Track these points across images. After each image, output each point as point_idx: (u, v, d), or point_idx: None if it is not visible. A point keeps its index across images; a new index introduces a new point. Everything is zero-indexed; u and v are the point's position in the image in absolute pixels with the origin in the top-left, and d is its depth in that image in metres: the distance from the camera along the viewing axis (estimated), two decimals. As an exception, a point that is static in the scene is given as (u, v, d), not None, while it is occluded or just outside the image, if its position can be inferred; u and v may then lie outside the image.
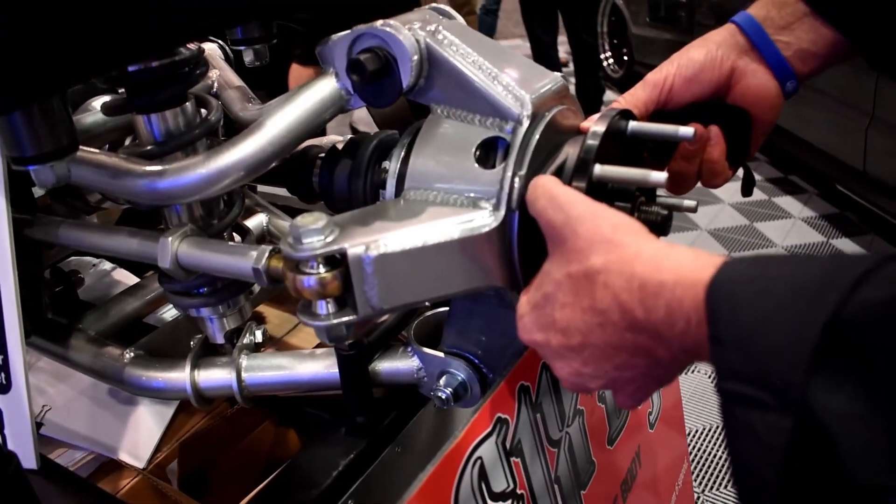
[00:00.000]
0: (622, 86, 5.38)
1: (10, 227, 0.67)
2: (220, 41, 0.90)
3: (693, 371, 2.33)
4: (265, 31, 0.74)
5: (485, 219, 0.52)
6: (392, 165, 0.60)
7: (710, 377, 2.28)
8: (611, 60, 5.45)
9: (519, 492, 0.63)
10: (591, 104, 4.79)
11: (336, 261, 0.50)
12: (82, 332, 0.84)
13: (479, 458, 0.56)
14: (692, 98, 0.63)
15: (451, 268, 0.52)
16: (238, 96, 0.77)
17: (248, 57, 0.75)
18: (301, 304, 0.54)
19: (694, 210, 0.62)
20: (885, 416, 0.31)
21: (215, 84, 0.82)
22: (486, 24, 6.09)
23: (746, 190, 0.71)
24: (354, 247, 0.50)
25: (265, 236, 0.99)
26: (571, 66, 4.87)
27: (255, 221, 0.98)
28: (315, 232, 0.50)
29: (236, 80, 0.80)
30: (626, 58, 5.26)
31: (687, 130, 0.55)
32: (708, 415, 2.16)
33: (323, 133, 0.85)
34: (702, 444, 2.05)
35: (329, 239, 0.50)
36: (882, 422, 0.31)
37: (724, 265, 0.39)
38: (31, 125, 0.52)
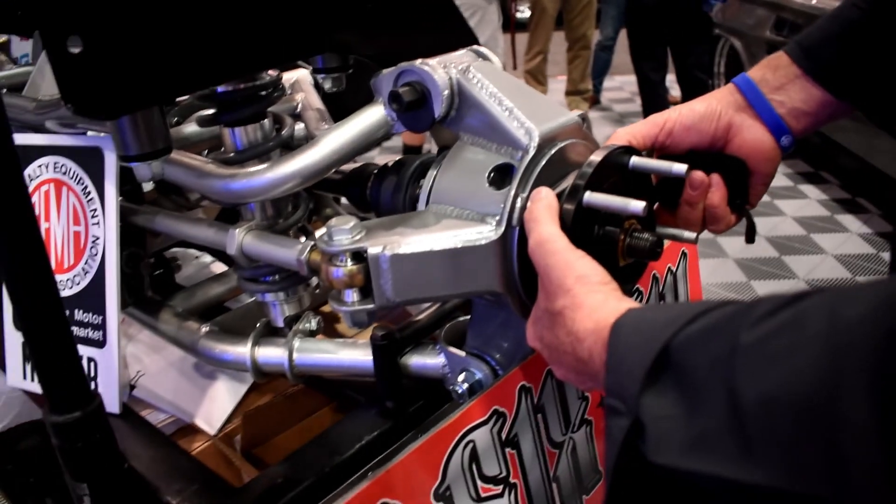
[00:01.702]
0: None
1: (117, 212, 0.82)
2: (309, 68, 1.04)
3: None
4: (342, 62, 0.86)
5: (487, 232, 0.61)
6: (425, 183, 0.70)
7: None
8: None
9: (512, 480, 0.70)
10: None
11: (361, 257, 0.61)
12: (171, 308, 0.98)
13: (472, 441, 0.64)
14: (690, 145, 0.70)
15: (455, 272, 0.62)
16: (315, 117, 0.89)
17: (326, 84, 0.87)
18: (332, 292, 0.64)
19: (694, 242, 0.69)
20: (690, 415, 0.42)
21: (300, 105, 0.95)
22: (602, 60, 6.07)
23: (749, 237, 0.77)
24: (374, 246, 0.60)
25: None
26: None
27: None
28: (345, 231, 0.61)
29: (317, 104, 0.93)
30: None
31: (680, 167, 0.63)
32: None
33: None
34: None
35: (356, 238, 0.60)
36: (686, 420, 0.42)
37: (625, 314, 0.52)
38: (135, 129, 0.65)
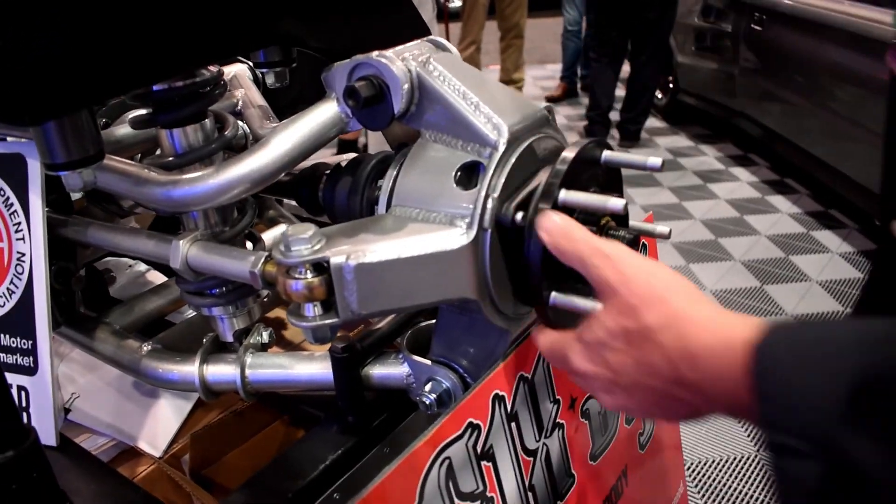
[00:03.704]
0: (666, 113, 5.38)
1: (44, 225, 0.75)
2: (249, 63, 0.97)
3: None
4: (285, 56, 0.80)
5: (458, 236, 0.57)
6: (385, 184, 0.65)
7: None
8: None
9: (489, 494, 0.67)
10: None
11: (322, 268, 0.56)
12: (108, 325, 0.91)
13: (448, 458, 0.60)
14: None
15: (425, 280, 0.57)
16: (258, 115, 0.84)
17: (269, 79, 0.82)
18: (291, 307, 0.59)
19: (667, 236, 0.66)
20: None
21: (240, 102, 0.89)
22: (570, 48, 5.94)
23: None
24: (337, 256, 0.55)
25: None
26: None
27: (277, 232, 1.05)
28: (303, 241, 0.55)
29: (259, 100, 0.87)
30: (671, 86, 5.26)
31: (655, 160, 0.60)
32: (720, 447, 2.15)
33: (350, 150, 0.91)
34: (715, 475, 2.05)
35: (316, 247, 0.55)
36: None
37: (770, 331, 0.44)
38: (62, 136, 0.59)
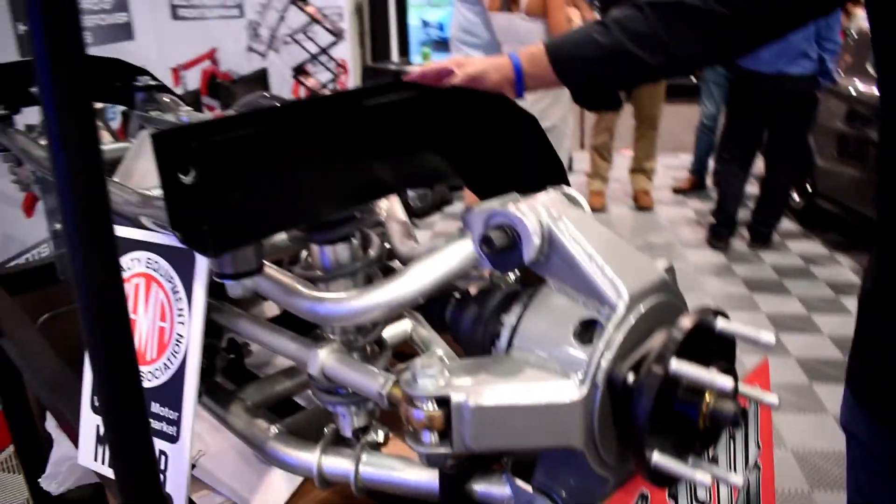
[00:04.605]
0: (801, 216, 5.21)
1: (204, 313, 0.84)
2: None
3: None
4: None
5: (571, 390, 0.61)
6: (508, 321, 0.70)
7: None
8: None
9: None
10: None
11: (443, 402, 0.61)
12: (242, 401, 1.00)
13: None
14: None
15: (536, 426, 0.62)
16: (400, 231, 0.92)
17: (414, 202, 0.90)
18: (410, 429, 0.65)
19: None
20: None
21: (383, 213, 0.98)
22: (704, 141, 5.83)
23: None
24: (458, 394, 0.61)
25: (409, 341, 1.12)
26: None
27: (401, 328, 1.12)
28: (429, 376, 0.61)
29: (401, 216, 0.95)
30: (808, 189, 5.09)
31: (769, 337, 0.62)
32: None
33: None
34: None
35: (440, 383, 0.61)
36: None
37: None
38: (233, 255, 0.68)
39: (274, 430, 0.92)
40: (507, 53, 1.14)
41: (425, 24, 5.64)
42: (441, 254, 0.72)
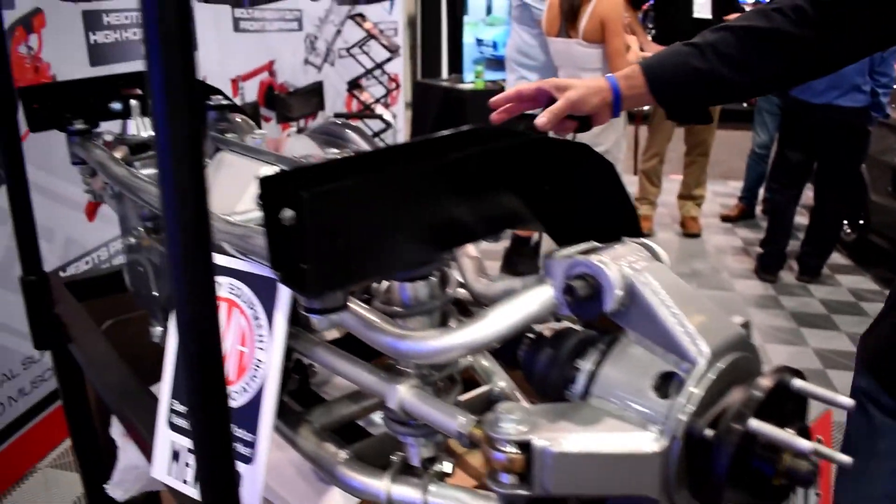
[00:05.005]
0: (852, 250, 5.12)
1: (284, 342, 0.88)
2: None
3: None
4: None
5: (651, 441, 0.63)
6: (585, 367, 0.72)
7: None
8: (845, 221, 5.22)
9: None
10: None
11: (524, 446, 0.64)
12: (309, 423, 1.03)
13: None
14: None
15: (615, 474, 0.64)
16: (472, 266, 0.94)
17: (486, 241, 0.92)
18: (490, 471, 0.67)
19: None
20: None
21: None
22: (755, 170, 5.79)
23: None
24: (540, 440, 0.63)
25: (470, 370, 1.15)
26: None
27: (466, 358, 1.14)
28: (513, 421, 0.64)
29: (473, 251, 0.98)
30: (861, 223, 5.01)
31: (847, 401, 0.63)
32: None
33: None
34: None
35: (522, 429, 0.64)
36: None
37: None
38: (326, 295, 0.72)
39: (343, 454, 0.95)
40: (605, 76, 1.25)
41: (479, 42, 5.69)
42: (522, 298, 0.74)
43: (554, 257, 0.75)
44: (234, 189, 1.17)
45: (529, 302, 0.74)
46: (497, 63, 5.80)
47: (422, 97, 6.09)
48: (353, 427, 1.12)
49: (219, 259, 0.97)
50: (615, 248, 0.74)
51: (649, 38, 4.62)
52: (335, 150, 1.18)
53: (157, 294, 1.39)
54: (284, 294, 0.88)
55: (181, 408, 1.02)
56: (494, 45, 5.56)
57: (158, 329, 1.41)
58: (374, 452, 0.98)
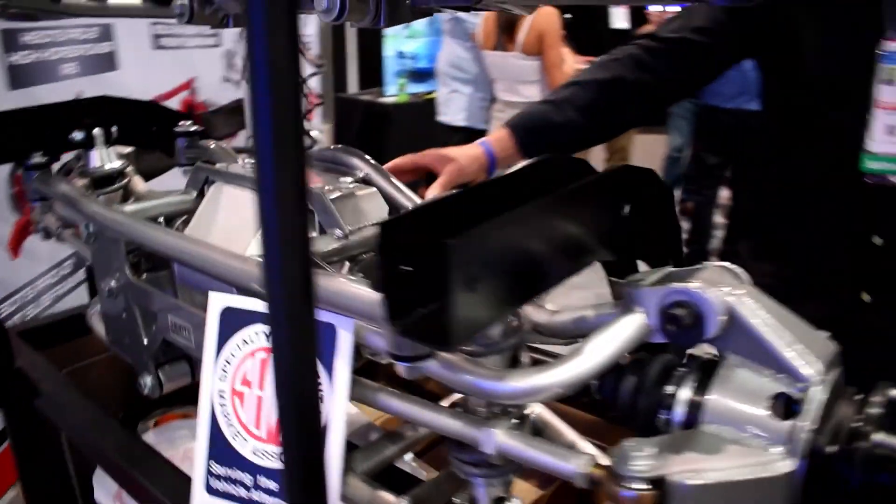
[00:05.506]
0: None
1: (347, 392, 0.84)
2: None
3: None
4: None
5: (778, 464, 0.64)
6: (682, 394, 0.72)
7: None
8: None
9: None
10: None
11: (656, 483, 0.63)
12: (352, 471, 0.99)
13: None
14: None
15: (746, 499, 0.64)
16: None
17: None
18: (611, 507, 0.66)
19: None
20: None
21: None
22: (672, 173, 5.81)
23: None
24: (675, 475, 0.62)
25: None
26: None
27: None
28: (642, 458, 0.63)
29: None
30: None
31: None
32: None
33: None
34: None
35: (655, 464, 0.63)
36: None
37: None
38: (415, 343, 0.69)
39: (405, 503, 0.91)
40: (479, 142, 1.38)
41: (401, 55, 5.69)
42: (615, 329, 0.73)
43: (640, 285, 0.74)
44: (249, 224, 1.11)
45: (623, 332, 0.73)
46: (419, 75, 5.81)
47: (343, 112, 6.03)
48: (392, 469, 1.09)
49: (259, 304, 0.92)
50: (702, 273, 0.75)
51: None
52: (348, 179, 1.14)
53: (146, 342, 1.30)
54: (345, 339, 0.84)
55: (220, 469, 0.96)
56: (415, 58, 5.57)
57: (148, 379, 1.33)
58: (430, 497, 0.96)
